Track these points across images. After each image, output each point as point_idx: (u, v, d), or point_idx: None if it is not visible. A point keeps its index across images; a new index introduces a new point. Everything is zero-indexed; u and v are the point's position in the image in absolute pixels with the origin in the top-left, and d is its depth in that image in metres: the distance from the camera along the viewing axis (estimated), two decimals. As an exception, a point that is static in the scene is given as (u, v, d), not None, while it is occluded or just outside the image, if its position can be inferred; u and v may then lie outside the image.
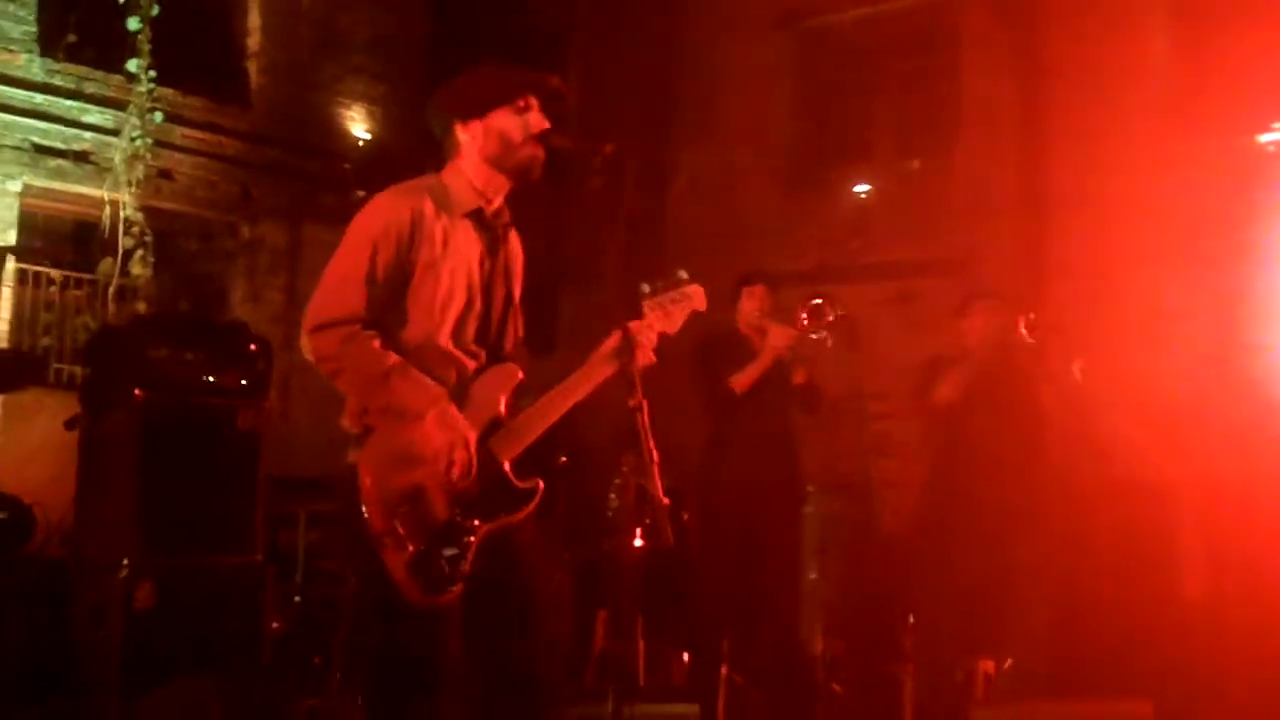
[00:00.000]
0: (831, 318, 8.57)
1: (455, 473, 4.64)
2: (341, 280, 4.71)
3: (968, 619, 8.63)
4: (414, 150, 13.79)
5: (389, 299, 4.75)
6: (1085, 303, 11.89)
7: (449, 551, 4.65)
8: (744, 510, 8.39)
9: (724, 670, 8.61)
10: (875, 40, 14.94)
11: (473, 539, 4.68)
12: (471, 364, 4.88)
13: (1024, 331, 8.46)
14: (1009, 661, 8.98)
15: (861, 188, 14.14)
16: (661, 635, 9.77)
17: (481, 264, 4.93)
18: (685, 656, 9.48)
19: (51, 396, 9.81)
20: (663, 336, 5.03)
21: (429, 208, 4.82)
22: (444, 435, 4.65)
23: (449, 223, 4.86)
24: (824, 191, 14.57)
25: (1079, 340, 8.91)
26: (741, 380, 8.51)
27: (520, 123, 4.89)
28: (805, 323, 8.55)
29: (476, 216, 4.94)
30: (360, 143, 13.75)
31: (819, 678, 9.20)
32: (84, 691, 7.77)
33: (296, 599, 9.74)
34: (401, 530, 4.60)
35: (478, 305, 4.90)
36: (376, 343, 4.67)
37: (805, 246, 13.69)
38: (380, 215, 4.79)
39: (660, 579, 9.62)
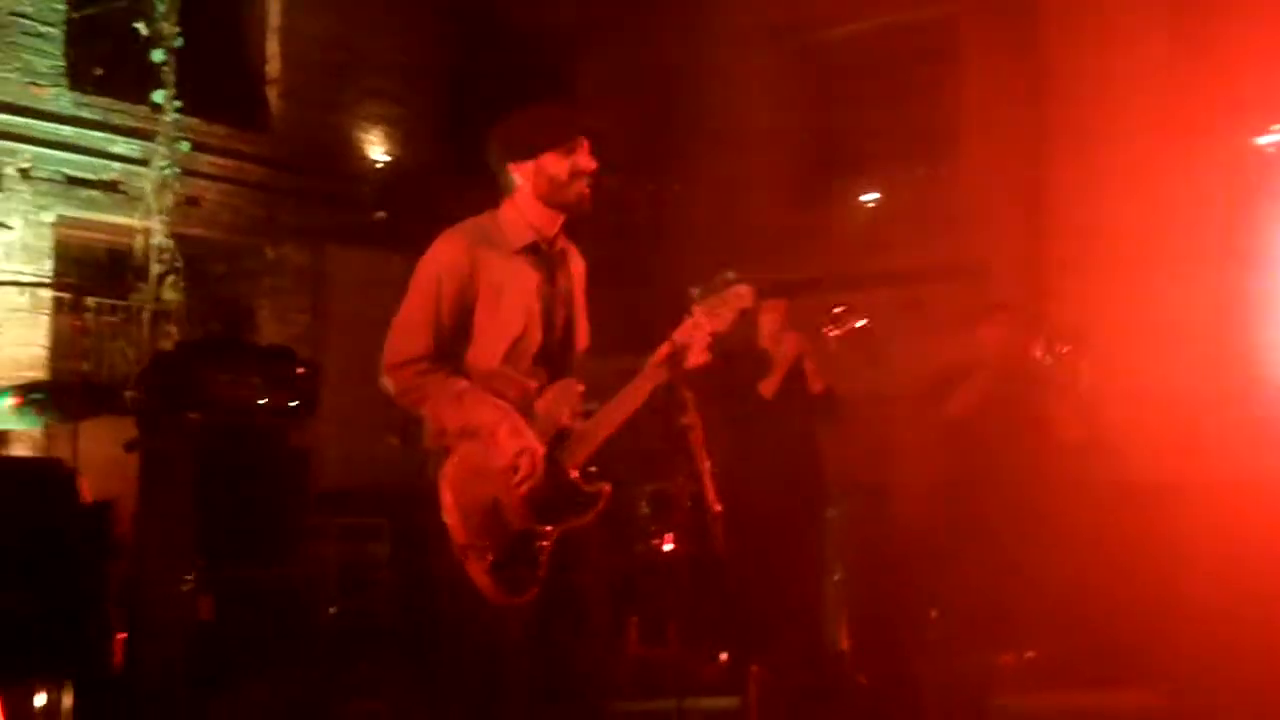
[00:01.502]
0: (857, 323, 8.87)
1: (525, 478, 5.04)
2: (411, 323, 5.17)
3: (987, 614, 8.92)
4: (431, 170, 14.15)
5: (455, 332, 5.19)
6: (1089, 305, 12.10)
7: (525, 556, 5.05)
8: (771, 517, 8.67)
9: (753, 668, 8.92)
10: (879, 52, 15.05)
11: (545, 543, 5.07)
12: (533, 384, 5.25)
13: (1038, 350, 8.76)
14: (1029, 654, 9.24)
15: (868, 197, 14.38)
16: (692, 636, 10.01)
17: (540, 292, 5.30)
18: (723, 656, 9.74)
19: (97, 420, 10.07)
20: (716, 335, 5.41)
21: (484, 246, 5.25)
22: (514, 444, 5.04)
23: (505, 258, 5.27)
24: (831, 201, 14.76)
25: (1087, 345, 9.18)
26: (768, 385, 8.80)
27: (568, 163, 5.27)
28: (829, 331, 8.85)
29: (532, 249, 5.33)
30: (378, 164, 14.02)
31: (844, 672, 9.44)
32: (150, 703, 8.05)
33: (332, 610, 10.09)
34: (482, 540, 5.00)
35: (537, 331, 5.27)
36: (444, 372, 5.12)
37: (813, 256, 13.90)
38: (441, 258, 5.22)
39: (692, 582, 9.91)
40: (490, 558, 5.01)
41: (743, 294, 5.31)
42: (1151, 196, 12.35)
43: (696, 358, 5.26)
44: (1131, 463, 10.57)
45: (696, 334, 5.27)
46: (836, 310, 8.89)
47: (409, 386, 5.13)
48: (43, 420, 8.61)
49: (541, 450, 5.07)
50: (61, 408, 8.66)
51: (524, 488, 5.05)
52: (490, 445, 5.07)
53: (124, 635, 6.43)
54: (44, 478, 4.73)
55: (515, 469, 5.03)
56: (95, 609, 4.75)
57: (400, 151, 14.19)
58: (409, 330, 5.17)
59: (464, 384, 5.13)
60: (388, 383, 5.17)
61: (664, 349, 5.25)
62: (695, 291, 5.28)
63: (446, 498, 5.04)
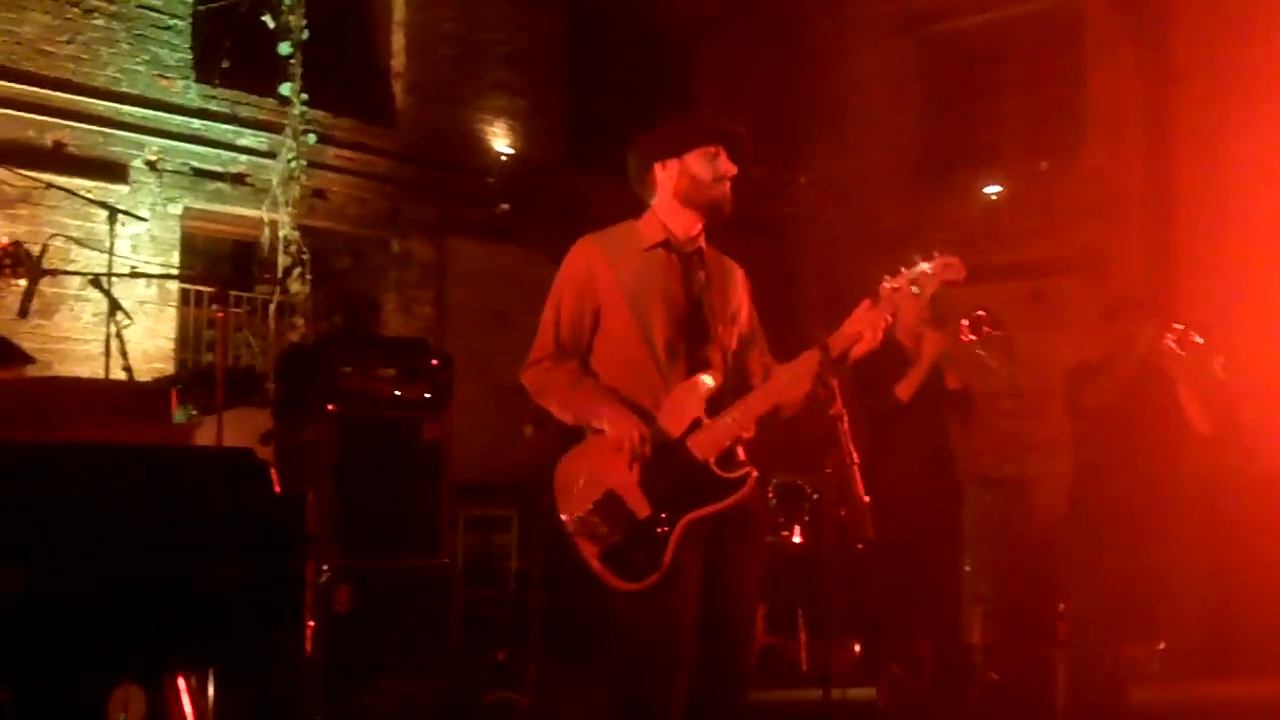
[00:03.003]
0: (994, 331, 8.86)
1: (628, 460, 5.15)
2: (541, 327, 5.49)
3: (1119, 606, 8.88)
4: (554, 163, 14.23)
5: (583, 334, 5.45)
6: (1214, 299, 12.07)
7: (645, 544, 5.14)
8: (905, 512, 8.64)
9: (888, 663, 8.95)
10: (1001, 42, 15.08)
11: (668, 530, 5.14)
12: (661, 378, 5.33)
13: (1173, 345, 8.69)
14: (1161, 645, 9.21)
15: (991, 188, 14.33)
16: (824, 628, 10.03)
17: (670, 289, 5.41)
18: (857, 647, 9.76)
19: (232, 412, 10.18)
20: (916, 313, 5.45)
21: (610, 250, 5.46)
22: (615, 429, 5.18)
23: (635, 258, 5.43)
24: (953, 193, 14.74)
25: (1216, 337, 9.12)
26: (905, 388, 8.79)
27: (711, 166, 5.40)
28: (967, 333, 8.83)
29: (664, 247, 5.43)
30: (503, 157, 14.08)
31: (975, 665, 9.44)
32: (287, 693, 8.11)
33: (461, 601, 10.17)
34: (593, 528, 5.19)
35: (667, 327, 5.36)
36: (563, 369, 5.40)
37: (935, 248, 13.89)
38: (565, 268, 5.50)
39: (826, 574, 9.92)
40: (601, 545, 5.18)
41: (953, 264, 5.24)
42: (1277, 191, 12.27)
43: (868, 344, 5.29)
44: (1263, 453, 10.52)
45: (874, 321, 5.28)
46: (978, 314, 8.86)
47: (536, 384, 5.45)
48: (185, 413, 8.70)
49: (641, 434, 5.16)
50: (201, 400, 8.76)
51: (633, 472, 5.16)
52: (600, 432, 5.27)
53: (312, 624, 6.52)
54: (239, 468, 4.81)
55: (619, 450, 5.16)
56: (293, 598, 4.83)
57: (523, 145, 14.26)
58: (539, 333, 5.49)
59: (576, 376, 5.40)
60: (524, 382, 5.49)
61: (810, 358, 5.25)
62: (887, 278, 5.23)
63: (559, 483, 5.32)
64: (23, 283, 8.01)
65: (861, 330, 5.27)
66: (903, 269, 5.21)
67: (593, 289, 5.40)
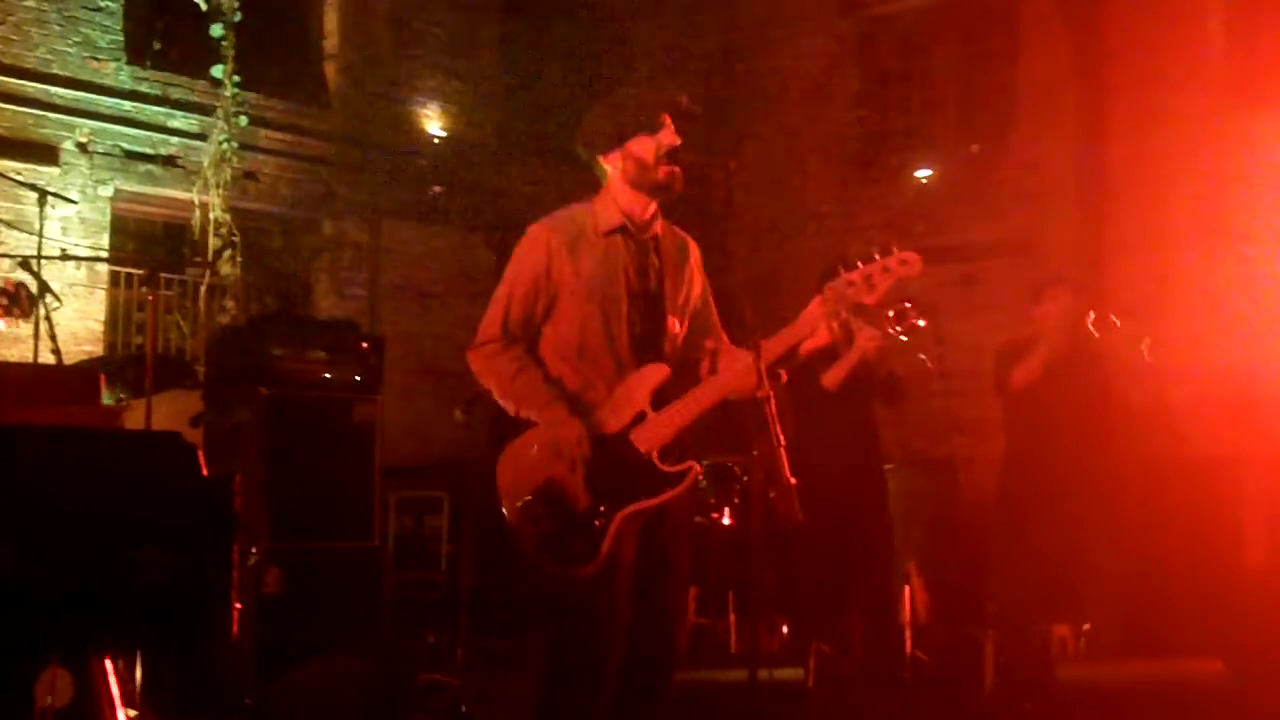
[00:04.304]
0: (919, 322, 8.91)
1: (565, 463, 5.15)
2: (491, 309, 5.46)
3: (1046, 586, 8.97)
4: (488, 144, 14.20)
5: (533, 321, 5.43)
6: (1144, 281, 12.14)
7: (582, 535, 5.15)
8: (833, 495, 8.67)
9: (815, 643, 8.99)
10: (935, 26, 15.06)
11: (603, 522, 5.16)
12: (614, 367, 5.34)
13: (1090, 327, 8.78)
14: (1087, 625, 9.28)
15: (923, 172, 14.35)
16: (750, 608, 10.04)
17: (629, 276, 5.40)
18: (785, 628, 9.78)
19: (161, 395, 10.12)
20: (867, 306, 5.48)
21: (568, 235, 5.41)
22: (551, 432, 5.19)
23: (593, 243, 5.40)
24: (886, 176, 14.76)
25: (1144, 319, 9.21)
26: (832, 378, 8.85)
27: (654, 143, 5.35)
28: (893, 327, 8.88)
29: (621, 233, 5.41)
30: (436, 139, 14.04)
31: (905, 645, 9.47)
32: (216, 675, 8.06)
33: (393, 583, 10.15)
34: (533, 518, 5.20)
35: (624, 314, 5.37)
36: (509, 355, 5.37)
37: (868, 231, 13.96)
38: (522, 257, 5.45)
39: (754, 554, 9.93)
40: (540, 534, 5.20)
41: (910, 260, 5.25)
42: (1208, 174, 12.36)
43: (818, 341, 5.31)
44: (1190, 436, 10.60)
45: (825, 318, 5.34)
46: (905, 306, 8.90)
47: (481, 367, 5.42)
48: (114, 395, 8.65)
49: (578, 435, 5.18)
50: (131, 382, 8.71)
51: (574, 471, 5.16)
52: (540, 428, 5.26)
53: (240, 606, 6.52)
54: (167, 451, 4.81)
55: (557, 453, 5.17)
56: (220, 580, 4.85)
57: (457, 127, 14.21)
58: (488, 315, 5.45)
59: (519, 366, 5.36)
60: (470, 361, 5.46)
61: (745, 357, 5.24)
62: (841, 269, 5.22)
63: (500, 474, 5.30)
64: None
65: (814, 328, 5.32)
66: (859, 263, 5.20)
67: (549, 279, 5.38)
